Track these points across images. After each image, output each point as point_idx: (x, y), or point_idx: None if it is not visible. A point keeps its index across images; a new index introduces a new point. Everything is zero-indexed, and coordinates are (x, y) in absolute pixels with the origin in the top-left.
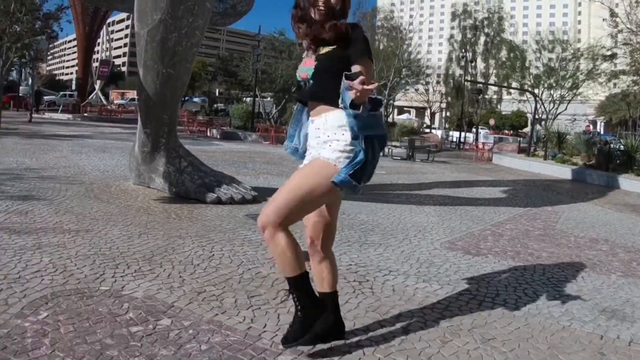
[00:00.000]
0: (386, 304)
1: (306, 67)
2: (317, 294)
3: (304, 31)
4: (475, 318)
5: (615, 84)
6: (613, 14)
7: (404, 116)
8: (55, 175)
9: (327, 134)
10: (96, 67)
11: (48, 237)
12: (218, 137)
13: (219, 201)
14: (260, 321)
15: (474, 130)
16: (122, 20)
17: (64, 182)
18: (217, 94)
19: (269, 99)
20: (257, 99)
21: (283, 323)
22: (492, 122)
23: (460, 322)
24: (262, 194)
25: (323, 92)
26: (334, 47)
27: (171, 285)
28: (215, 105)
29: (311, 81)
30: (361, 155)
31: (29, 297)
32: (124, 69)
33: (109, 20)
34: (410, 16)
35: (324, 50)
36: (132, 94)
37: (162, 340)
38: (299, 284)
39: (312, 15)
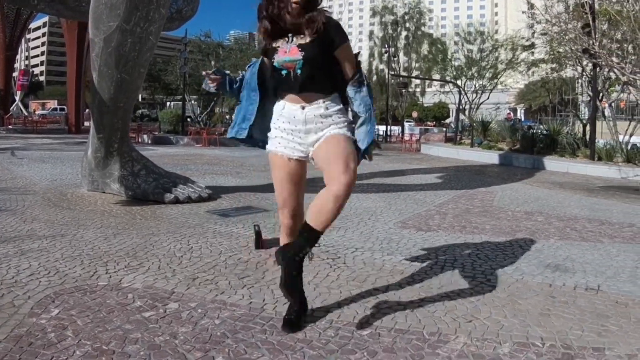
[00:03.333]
0: (362, 275)
1: (291, 57)
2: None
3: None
4: (440, 279)
5: (534, 72)
6: (531, 7)
7: None
8: (5, 187)
9: (332, 118)
10: (14, 77)
11: (27, 244)
12: (149, 142)
13: (177, 200)
14: (258, 296)
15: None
16: (38, 28)
17: (17, 192)
18: (140, 99)
19: (193, 102)
20: (185, 102)
21: (279, 296)
22: (415, 114)
23: (430, 283)
24: (215, 192)
25: (317, 82)
26: (314, 36)
27: (165, 275)
28: (139, 111)
29: (299, 71)
30: (373, 122)
31: (34, 297)
32: (42, 78)
33: None
34: (329, 13)
35: (304, 39)
36: (52, 104)
37: (177, 320)
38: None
39: (288, 9)
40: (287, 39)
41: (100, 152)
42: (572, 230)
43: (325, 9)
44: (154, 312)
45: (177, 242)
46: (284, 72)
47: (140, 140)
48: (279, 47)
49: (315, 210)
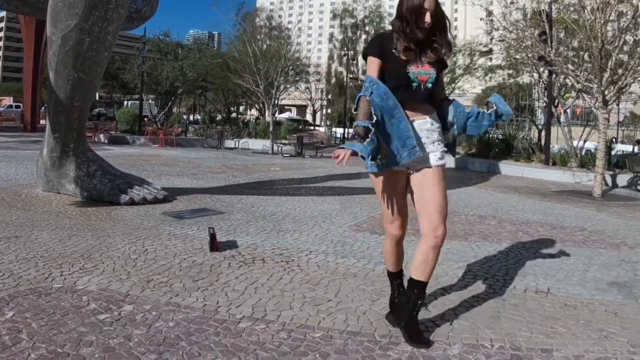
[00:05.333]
0: (315, 277)
1: (425, 71)
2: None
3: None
4: None
5: (491, 78)
6: (490, 14)
7: (286, 114)
8: None
9: (436, 134)
10: None
11: None
12: (105, 141)
13: (132, 202)
14: (212, 299)
15: None
16: None
17: None
18: (97, 97)
19: (150, 101)
20: (143, 102)
21: (233, 299)
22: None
23: (382, 286)
24: (171, 194)
25: (434, 98)
26: (435, 59)
27: (119, 277)
28: (96, 110)
29: (429, 85)
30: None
31: None
32: None
33: None
34: (290, 15)
35: (430, 58)
36: (8, 100)
37: (131, 322)
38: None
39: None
40: (414, 55)
41: (56, 152)
42: (524, 234)
43: None
44: (109, 315)
45: (132, 244)
46: (415, 84)
47: (96, 139)
48: (409, 60)
49: (419, 264)
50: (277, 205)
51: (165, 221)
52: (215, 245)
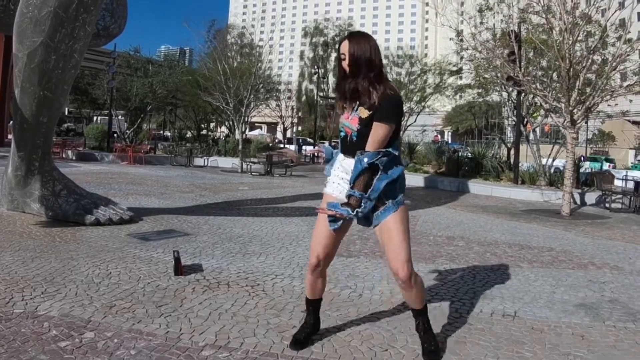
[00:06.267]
0: (280, 302)
1: (350, 124)
2: None
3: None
4: (358, 307)
5: (461, 97)
6: (459, 34)
7: (256, 132)
8: None
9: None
10: None
11: None
12: (73, 158)
13: (97, 222)
14: (175, 326)
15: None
16: None
17: None
18: (66, 112)
19: (120, 117)
20: (112, 118)
21: (196, 325)
22: None
23: (347, 311)
24: (137, 214)
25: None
26: (370, 112)
27: (82, 302)
28: (65, 125)
29: (354, 138)
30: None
31: None
32: None
33: None
34: (261, 32)
35: (364, 113)
36: None
37: (93, 350)
38: (426, 309)
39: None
40: (354, 105)
41: (21, 171)
42: (492, 255)
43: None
44: (70, 342)
45: (95, 267)
46: (342, 133)
47: (64, 156)
48: (345, 108)
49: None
50: (244, 226)
51: (130, 243)
52: (179, 269)
